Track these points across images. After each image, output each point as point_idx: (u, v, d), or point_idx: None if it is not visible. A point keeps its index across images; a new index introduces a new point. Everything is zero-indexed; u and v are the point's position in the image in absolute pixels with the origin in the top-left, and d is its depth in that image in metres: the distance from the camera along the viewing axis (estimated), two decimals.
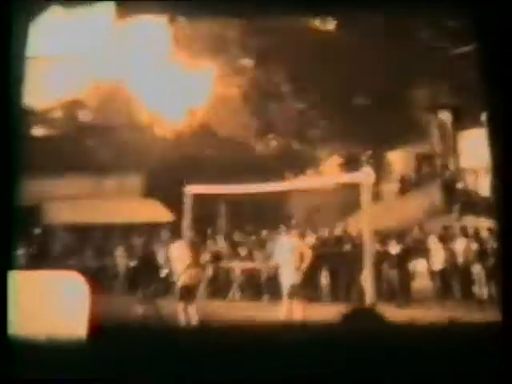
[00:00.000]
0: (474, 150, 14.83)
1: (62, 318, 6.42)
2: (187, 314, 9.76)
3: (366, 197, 10.48)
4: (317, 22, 15.33)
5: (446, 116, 16.22)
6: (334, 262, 12.59)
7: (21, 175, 6.59)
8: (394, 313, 10.61)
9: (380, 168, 16.65)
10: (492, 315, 6.74)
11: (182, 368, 5.75)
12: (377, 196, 16.10)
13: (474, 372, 5.45)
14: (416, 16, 13.56)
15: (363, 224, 10.70)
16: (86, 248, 13.98)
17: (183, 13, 10.94)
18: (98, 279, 12.86)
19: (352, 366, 5.60)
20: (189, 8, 7.84)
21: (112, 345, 6.06)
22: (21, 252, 12.94)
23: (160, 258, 12.51)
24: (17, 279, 6.38)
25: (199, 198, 12.60)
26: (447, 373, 5.49)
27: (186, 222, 12.53)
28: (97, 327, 6.36)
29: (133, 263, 13.33)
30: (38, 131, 14.52)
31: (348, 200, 13.29)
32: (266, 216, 14.70)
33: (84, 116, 14.75)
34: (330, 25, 15.36)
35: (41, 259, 13.27)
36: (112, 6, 8.40)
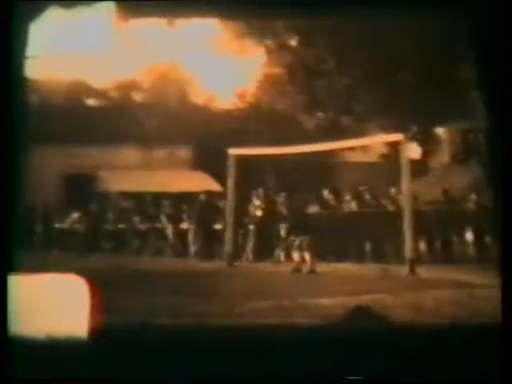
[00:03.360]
0: None
1: (63, 318, 6.51)
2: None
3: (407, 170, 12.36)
4: None
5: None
6: (374, 222, 13.64)
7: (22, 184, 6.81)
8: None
9: (426, 143, 16.94)
10: None
11: (183, 368, 5.94)
12: (423, 170, 16.52)
13: (474, 372, 5.69)
14: None
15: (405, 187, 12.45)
16: (136, 214, 14.93)
17: (184, 13, 11.08)
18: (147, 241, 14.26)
19: (352, 366, 5.87)
20: (190, 8, 7.93)
21: (112, 345, 6.24)
22: (76, 215, 14.15)
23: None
24: (17, 280, 6.55)
25: (244, 162, 13.50)
26: (447, 372, 5.75)
27: (230, 185, 13.41)
28: (97, 327, 6.48)
29: (184, 226, 14.48)
30: (91, 102, 15.44)
31: (393, 174, 13.64)
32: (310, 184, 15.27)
33: (138, 96, 15.60)
34: None
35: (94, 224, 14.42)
36: (112, 5, 8.56)
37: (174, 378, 5.89)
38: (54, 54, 8.73)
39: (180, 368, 5.94)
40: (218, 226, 14.19)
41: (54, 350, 6.18)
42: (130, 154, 15.83)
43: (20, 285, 6.50)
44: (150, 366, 5.90)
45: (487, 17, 6.79)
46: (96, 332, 6.41)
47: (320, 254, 13.66)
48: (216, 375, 5.80)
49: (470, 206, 13.87)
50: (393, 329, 6.77)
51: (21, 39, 6.92)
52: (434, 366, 5.85)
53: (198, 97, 16.14)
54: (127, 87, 15.60)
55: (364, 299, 9.30)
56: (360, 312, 7.04)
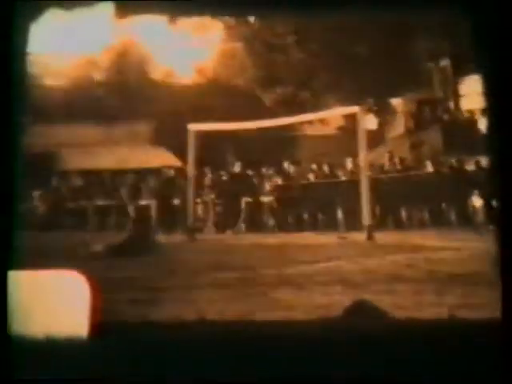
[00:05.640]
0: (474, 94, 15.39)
1: (63, 317, 6.41)
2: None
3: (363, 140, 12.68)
4: None
5: (446, 63, 16.61)
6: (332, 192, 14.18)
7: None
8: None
9: (383, 114, 17.29)
10: None
11: (183, 367, 5.74)
12: (381, 140, 16.87)
13: (473, 370, 5.46)
14: None
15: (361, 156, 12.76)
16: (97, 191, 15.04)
17: (183, 13, 11.04)
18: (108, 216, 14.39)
19: (351, 364, 5.60)
20: (189, 8, 7.92)
21: (112, 344, 6.10)
22: (37, 194, 14.28)
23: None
24: (17, 279, 6.38)
25: (203, 137, 13.57)
26: (446, 370, 5.52)
27: (191, 160, 13.52)
28: (97, 326, 6.38)
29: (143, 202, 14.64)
30: (51, 81, 15.39)
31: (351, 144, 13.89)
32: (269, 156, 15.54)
33: (97, 74, 15.64)
34: None
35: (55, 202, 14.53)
36: (111, 5, 8.50)
37: (175, 378, 5.74)
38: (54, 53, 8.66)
39: (180, 368, 5.79)
40: (177, 201, 14.35)
41: (54, 349, 6.11)
42: (90, 131, 15.91)
43: (20, 282, 6.40)
44: (151, 366, 5.82)
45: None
46: (96, 331, 6.38)
47: (280, 224, 14.08)
48: (215, 374, 5.65)
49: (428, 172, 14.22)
50: (389, 325, 6.82)
51: (22, 38, 6.69)
52: (432, 362, 5.68)
53: (157, 73, 16.24)
54: (86, 66, 15.62)
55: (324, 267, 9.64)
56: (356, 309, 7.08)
